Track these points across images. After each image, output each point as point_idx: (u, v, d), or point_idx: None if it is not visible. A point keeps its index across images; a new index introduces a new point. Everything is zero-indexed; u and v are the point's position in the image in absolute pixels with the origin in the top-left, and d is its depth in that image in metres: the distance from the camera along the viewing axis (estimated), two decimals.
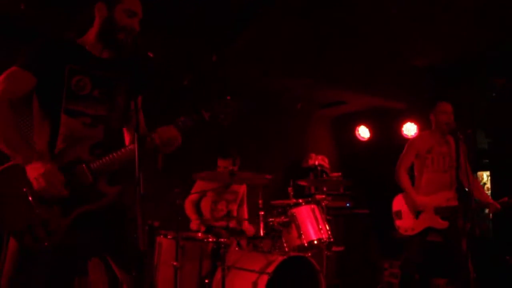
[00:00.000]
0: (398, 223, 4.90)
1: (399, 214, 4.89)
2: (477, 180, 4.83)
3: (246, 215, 5.54)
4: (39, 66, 2.37)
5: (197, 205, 5.46)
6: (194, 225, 5.18)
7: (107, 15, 2.48)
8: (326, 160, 7.59)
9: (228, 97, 2.66)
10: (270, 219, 4.44)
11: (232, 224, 4.89)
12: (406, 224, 4.81)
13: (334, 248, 5.44)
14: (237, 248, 4.54)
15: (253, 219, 4.81)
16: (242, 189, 5.52)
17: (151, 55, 2.30)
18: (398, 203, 4.95)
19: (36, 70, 2.36)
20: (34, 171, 2.20)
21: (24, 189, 2.24)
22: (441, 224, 4.66)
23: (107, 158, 2.38)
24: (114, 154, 2.38)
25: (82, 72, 2.44)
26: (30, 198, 2.24)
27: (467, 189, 4.57)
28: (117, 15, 2.47)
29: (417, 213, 4.76)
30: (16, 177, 2.25)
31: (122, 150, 2.39)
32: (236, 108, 2.66)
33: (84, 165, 2.34)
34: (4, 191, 2.27)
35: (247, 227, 5.21)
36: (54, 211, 2.28)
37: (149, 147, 2.46)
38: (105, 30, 2.49)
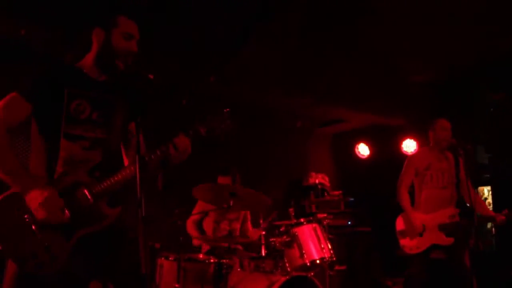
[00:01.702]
0: (402, 242, 4.86)
1: (403, 233, 4.86)
2: (478, 195, 4.81)
3: (250, 231, 5.50)
4: (37, 94, 2.38)
5: (199, 224, 5.41)
6: (196, 241, 5.13)
7: (104, 39, 2.49)
8: (327, 178, 7.57)
9: (223, 111, 2.65)
10: (272, 239, 4.40)
11: (234, 244, 4.85)
12: (411, 242, 4.78)
13: (337, 267, 5.38)
14: (239, 269, 4.50)
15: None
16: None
17: (152, 77, 2.30)
18: (402, 223, 4.93)
19: (33, 98, 2.37)
20: (33, 201, 2.20)
21: (26, 216, 2.23)
22: (446, 240, 4.63)
23: (106, 179, 2.37)
24: (114, 175, 2.38)
25: (80, 96, 2.45)
26: (32, 225, 2.23)
27: (469, 205, 4.56)
28: (114, 39, 2.48)
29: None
30: (17, 204, 2.25)
31: (122, 171, 2.39)
32: (231, 121, 2.66)
33: (84, 188, 2.34)
34: (6, 218, 2.25)
35: (252, 232, 5.20)
36: (57, 236, 2.27)
37: (160, 159, 2.46)
38: (102, 55, 2.51)
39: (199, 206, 5.32)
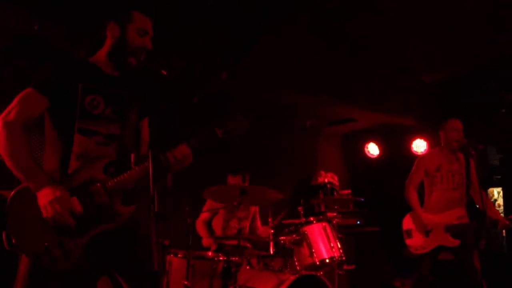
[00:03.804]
0: (408, 242, 4.86)
1: (409, 233, 4.85)
2: (487, 197, 4.77)
3: (260, 229, 5.51)
4: (52, 88, 2.38)
5: (208, 224, 5.42)
6: (205, 242, 5.15)
7: (119, 35, 2.49)
8: (336, 178, 7.55)
9: (240, 114, 2.66)
10: (282, 238, 4.40)
11: (244, 242, 4.85)
12: (416, 243, 4.77)
13: (346, 267, 5.37)
14: (248, 267, 4.49)
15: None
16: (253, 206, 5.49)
17: (165, 72, 2.30)
18: (408, 222, 4.92)
19: (49, 92, 2.37)
20: (44, 198, 2.20)
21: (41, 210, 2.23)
22: (452, 242, 4.61)
23: (121, 176, 2.37)
24: (128, 172, 2.38)
25: (95, 91, 2.44)
26: (46, 220, 2.23)
27: (479, 207, 4.53)
28: (129, 34, 2.48)
29: (427, 231, 4.72)
30: (32, 198, 2.24)
31: (136, 168, 2.38)
32: (248, 124, 2.66)
33: (99, 185, 2.34)
34: (20, 212, 2.26)
35: (262, 230, 5.19)
36: (71, 231, 2.27)
37: (161, 165, 2.44)
38: (116, 51, 2.51)
39: (209, 204, 5.33)
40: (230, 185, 5.07)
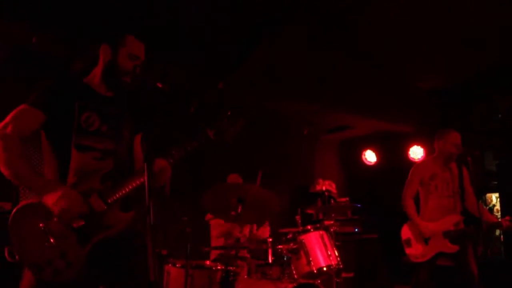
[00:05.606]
0: (408, 251, 4.88)
1: (408, 242, 4.87)
2: (481, 204, 4.79)
3: (259, 232, 5.52)
4: (49, 104, 2.42)
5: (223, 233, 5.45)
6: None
7: (111, 58, 2.54)
8: (333, 185, 7.56)
9: (230, 113, 2.65)
10: (279, 246, 4.40)
11: (242, 251, 4.85)
12: (416, 251, 4.79)
13: (344, 275, 5.37)
14: (246, 276, 4.49)
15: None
16: None
17: (160, 85, 2.32)
18: (407, 231, 4.94)
19: (45, 108, 2.41)
20: (52, 197, 2.23)
21: (41, 225, 2.27)
22: (451, 248, 4.63)
23: (119, 186, 2.41)
24: (126, 182, 2.41)
25: (90, 109, 2.49)
26: (47, 233, 2.27)
27: (475, 213, 4.56)
28: (121, 58, 2.53)
29: (426, 239, 4.74)
30: (32, 214, 2.29)
31: (133, 177, 2.42)
32: (241, 125, 2.66)
33: (97, 194, 2.37)
34: (22, 227, 2.30)
35: (260, 232, 5.23)
36: (72, 242, 2.30)
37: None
38: (108, 73, 2.55)
39: (214, 228, 5.36)
40: (227, 186, 5.06)
